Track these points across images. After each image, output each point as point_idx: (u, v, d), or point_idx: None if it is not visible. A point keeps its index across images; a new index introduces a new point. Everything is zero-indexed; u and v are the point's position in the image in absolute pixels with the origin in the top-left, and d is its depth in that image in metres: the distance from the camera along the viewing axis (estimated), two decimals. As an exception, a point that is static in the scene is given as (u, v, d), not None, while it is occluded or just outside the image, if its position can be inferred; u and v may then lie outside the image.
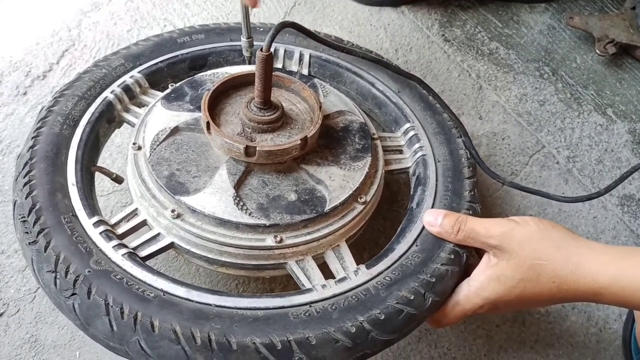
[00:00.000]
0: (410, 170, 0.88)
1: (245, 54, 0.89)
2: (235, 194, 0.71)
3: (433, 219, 0.75)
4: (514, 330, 0.96)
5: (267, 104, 0.75)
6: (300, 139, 0.73)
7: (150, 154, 0.74)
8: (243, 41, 0.87)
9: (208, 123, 0.72)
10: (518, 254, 0.67)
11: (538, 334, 0.96)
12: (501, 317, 0.97)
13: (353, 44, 1.02)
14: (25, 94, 1.07)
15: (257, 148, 0.71)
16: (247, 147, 0.70)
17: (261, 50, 0.69)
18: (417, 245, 0.74)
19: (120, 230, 0.72)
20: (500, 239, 0.68)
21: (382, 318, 0.64)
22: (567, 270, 0.66)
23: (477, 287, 0.69)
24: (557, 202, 1.02)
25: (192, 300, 0.62)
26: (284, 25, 0.71)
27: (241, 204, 0.70)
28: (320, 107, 0.78)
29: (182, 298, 0.63)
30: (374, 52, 1.01)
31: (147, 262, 0.70)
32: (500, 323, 0.96)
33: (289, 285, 0.94)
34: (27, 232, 0.68)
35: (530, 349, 0.95)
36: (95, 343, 0.63)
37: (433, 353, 0.92)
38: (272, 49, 0.70)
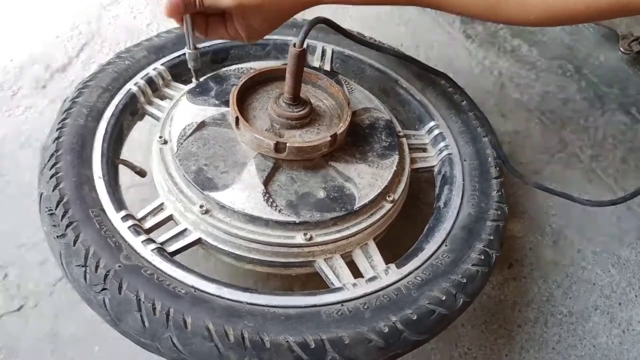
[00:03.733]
0: (436, 169, 0.87)
1: (191, 65, 0.81)
2: (265, 191, 0.70)
3: None
4: (536, 330, 0.95)
5: (296, 99, 0.74)
6: (330, 136, 0.72)
7: (178, 149, 0.74)
8: (188, 53, 0.79)
9: (237, 118, 0.72)
10: None
11: (560, 335, 0.95)
12: (523, 317, 0.96)
13: (376, 41, 1.01)
14: (44, 87, 1.06)
15: (288, 144, 0.70)
16: (277, 143, 0.70)
17: (294, 45, 0.68)
18: (446, 245, 0.73)
19: (147, 225, 0.72)
20: None
21: (414, 318, 0.63)
22: None
23: None
24: (581, 203, 1.01)
25: (224, 298, 0.62)
26: (318, 21, 0.70)
27: (270, 200, 0.70)
28: (349, 104, 0.77)
29: (213, 295, 0.62)
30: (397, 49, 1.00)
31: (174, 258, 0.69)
32: (522, 323, 0.96)
33: (307, 282, 0.94)
34: (55, 225, 0.67)
35: (552, 350, 0.94)
36: (114, 338, 0.63)
37: (453, 353, 0.92)
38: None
